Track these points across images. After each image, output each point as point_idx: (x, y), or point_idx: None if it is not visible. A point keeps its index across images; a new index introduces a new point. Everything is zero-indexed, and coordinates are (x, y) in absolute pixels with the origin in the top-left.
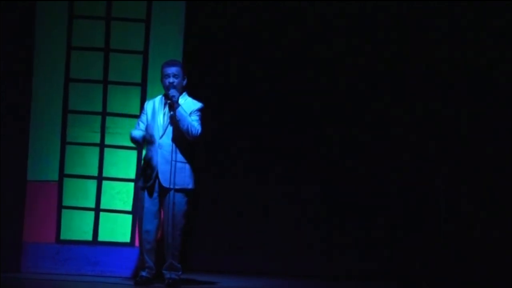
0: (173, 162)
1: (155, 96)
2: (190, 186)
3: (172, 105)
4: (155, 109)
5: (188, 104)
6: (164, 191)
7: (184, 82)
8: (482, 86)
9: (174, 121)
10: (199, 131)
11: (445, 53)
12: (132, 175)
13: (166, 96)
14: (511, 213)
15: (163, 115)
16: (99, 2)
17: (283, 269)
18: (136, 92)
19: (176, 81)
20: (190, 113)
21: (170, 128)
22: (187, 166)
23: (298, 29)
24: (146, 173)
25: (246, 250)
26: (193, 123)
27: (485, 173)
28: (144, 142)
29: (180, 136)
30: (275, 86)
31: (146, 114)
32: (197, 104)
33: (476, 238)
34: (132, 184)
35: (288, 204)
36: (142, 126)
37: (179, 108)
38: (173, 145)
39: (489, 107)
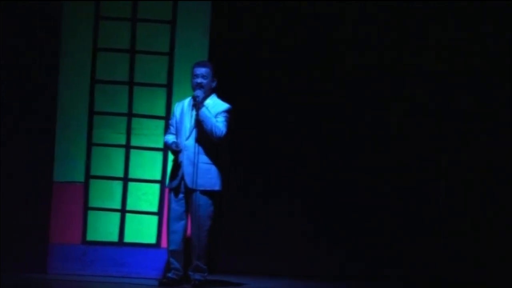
0: (197, 164)
1: (181, 98)
2: (216, 187)
3: (196, 105)
4: (184, 111)
5: (215, 105)
6: (190, 192)
7: (213, 84)
8: (483, 86)
9: (198, 122)
10: (224, 133)
11: (446, 53)
12: (157, 176)
13: (194, 98)
14: (511, 213)
15: (190, 117)
16: (125, 3)
17: (308, 271)
18: (162, 93)
19: (204, 82)
20: (217, 114)
21: (196, 130)
22: (213, 167)
23: (326, 30)
24: (172, 173)
25: (273, 251)
26: (218, 124)
27: (486, 173)
28: (173, 151)
29: (205, 138)
30: (301, 88)
31: (175, 116)
32: (224, 105)
33: (476, 238)
34: (157, 185)
35: (312, 206)
36: (172, 129)
37: (203, 109)
38: (198, 146)
39: (490, 106)
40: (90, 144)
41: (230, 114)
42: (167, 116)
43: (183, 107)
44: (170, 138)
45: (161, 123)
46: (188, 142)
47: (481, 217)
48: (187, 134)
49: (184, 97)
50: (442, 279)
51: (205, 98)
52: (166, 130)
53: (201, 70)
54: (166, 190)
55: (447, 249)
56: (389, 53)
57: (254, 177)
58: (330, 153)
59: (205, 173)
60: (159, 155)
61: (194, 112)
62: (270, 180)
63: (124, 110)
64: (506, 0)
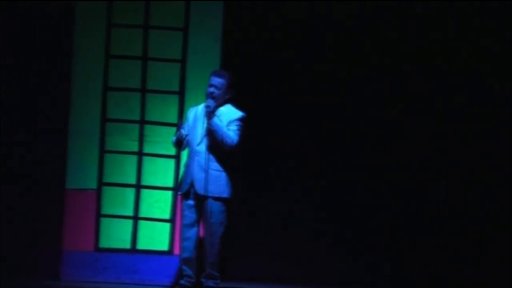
0: (207, 170)
1: (193, 105)
2: (225, 195)
3: (208, 115)
4: (197, 116)
5: (229, 113)
6: (202, 199)
7: (227, 96)
8: (483, 86)
9: (210, 131)
10: (235, 142)
11: (445, 52)
12: (170, 183)
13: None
14: (511, 213)
15: (202, 124)
16: (138, 10)
17: (322, 277)
18: (174, 100)
19: (216, 92)
20: (230, 123)
21: (206, 138)
22: (223, 174)
23: (338, 35)
24: (183, 179)
25: (285, 258)
26: (229, 133)
27: (486, 173)
28: (181, 139)
29: (216, 145)
30: (315, 94)
31: (188, 121)
32: (237, 113)
33: (476, 238)
34: (170, 193)
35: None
36: (185, 131)
37: (214, 119)
38: (208, 153)
39: (490, 106)
40: (102, 151)
41: (243, 123)
42: (180, 123)
43: (196, 113)
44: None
45: (174, 130)
46: (200, 147)
47: (481, 217)
48: (199, 140)
49: (196, 104)
50: (442, 279)
51: (217, 107)
52: None
53: (216, 81)
54: (179, 197)
55: (447, 249)
56: (389, 53)
57: (255, 178)
58: (331, 153)
59: (215, 180)
60: (171, 162)
61: (206, 120)
62: (271, 181)
63: (137, 117)
64: (506, 0)
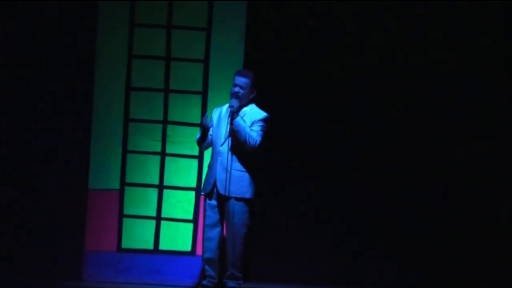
0: (230, 170)
1: (216, 105)
2: (248, 195)
3: (231, 114)
4: (221, 116)
5: (252, 114)
6: (224, 199)
7: (252, 95)
8: (483, 86)
9: (232, 131)
10: (257, 142)
11: (446, 53)
12: (193, 183)
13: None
14: (511, 214)
15: (226, 124)
16: (161, 10)
17: (345, 277)
18: (197, 100)
19: (241, 92)
20: (253, 123)
21: (230, 137)
22: (246, 175)
23: (360, 36)
24: (206, 179)
25: (308, 258)
26: (252, 133)
27: (486, 173)
28: (206, 127)
29: (239, 145)
30: (337, 95)
31: (212, 121)
32: (261, 114)
33: (476, 238)
34: (193, 193)
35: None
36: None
37: (238, 118)
38: (231, 153)
39: (490, 106)
40: (125, 151)
41: (267, 123)
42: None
43: (220, 113)
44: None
45: (196, 130)
46: (223, 148)
47: (481, 217)
48: (222, 140)
49: (219, 104)
50: (442, 279)
51: (241, 107)
52: None
53: (240, 80)
54: (201, 198)
55: (447, 249)
56: (389, 53)
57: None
58: (335, 153)
59: (237, 180)
60: (194, 162)
61: (229, 120)
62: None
63: (159, 117)
64: (506, 0)
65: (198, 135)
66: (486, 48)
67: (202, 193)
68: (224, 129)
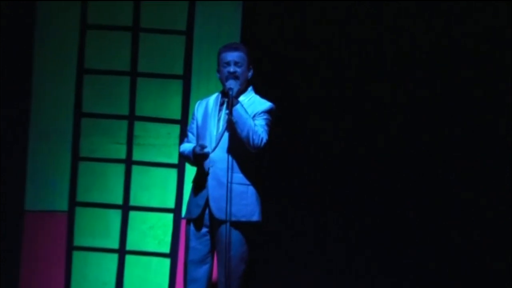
0: (229, 184)
1: (203, 93)
2: (255, 217)
3: (229, 101)
4: (208, 111)
5: (253, 104)
6: (217, 225)
7: (249, 75)
8: (483, 87)
9: (231, 124)
10: (264, 140)
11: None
12: (170, 203)
13: (224, 93)
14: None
15: (217, 120)
16: None
17: None
18: (176, 87)
19: (238, 70)
20: (255, 115)
21: (226, 137)
22: (251, 189)
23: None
24: (192, 199)
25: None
26: (257, 128)
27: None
28: (198, 157)
29: (241, 147)
30: (338, 101)
31: (196, 119)
32: (265, 104)
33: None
34: (170, 216)
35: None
36: (192, 138)
37: (237, 106)
38: (231, 160)
39: (490, 107)
40: (76, 158)
41: (273, 116)
42: (184, 119)
43: (207, 107)
44: (188, 145)
45: (176, 128)
46: (215, 154)
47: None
48: (214, 143)
49: (207, 93)
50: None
51: (239, 93)
52: (183, 138)
53: (233, 55)
54: (183, 223)
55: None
56: (387, 52)
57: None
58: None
59: (239, 198)
60: (172, 174)
61: (223, 114)
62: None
63: (124, 111)
64: (506, 0)
65: (186, 148)
66: (487, 47)
67: (187, 218)
68: (214, 129)
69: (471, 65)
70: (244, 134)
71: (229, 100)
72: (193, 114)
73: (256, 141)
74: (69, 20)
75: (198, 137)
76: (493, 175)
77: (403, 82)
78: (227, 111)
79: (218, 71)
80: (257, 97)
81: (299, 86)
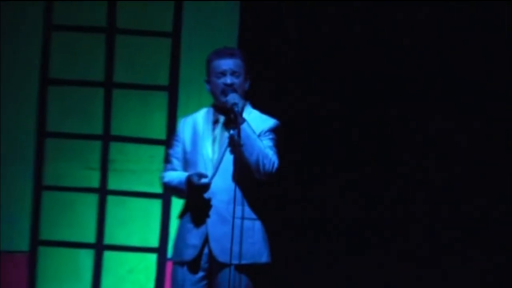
0: (233, 220)
1: (193, 108)
2: (264, 258)
3: (233, 119)
4: (198, 132)
5: (255, 121)
6: (217, 268)
7: (247, 86)
8: (483, 86)
9: (235, 147)
10: (276, 165)
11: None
12: (153, 241)
13: (218, 108)
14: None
15: (212, 141)
16: None
17: None
18: (161, 101)
19: (236, 81)
20: (259, 135)
21: (226, 163)
22: (257, 224)
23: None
24: (183, 238)
25: None
26: (267, 151)
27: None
28: (196, 189)
29: (246, 174)
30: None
31: (183, 142)
32: (269, 121)
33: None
34: (154, 257)
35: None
36: (176, 163)
37: (245, 125)
38: (236, 189)
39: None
40: (39, 187)
41: (279, 135)
42: (170, 139)
43: (195, 127)
44: (176, 174)
45: (160, 151)
46: (214, 184)
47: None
48: (211, 170)
49: (197, 107)
50: None
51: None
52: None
53: (229, 64)
54: (169, 265)
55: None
56: (386, 51)
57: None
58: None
59: (245, 235)
60: (155, 206)
61: (218, 132)
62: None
63: (97, 129)
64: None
65: (173, 178)
66: (486, 48)
67: (177, 260)
68: (209, 152)
69: (471, 65)
70: (253, 158)
71: (235, 118)
72: (177, 135)
73: (267, 167)
74: (31, 20)
75: (186, 164)
76: (493, 175)
77: (403, 83)
78: (232, 132)
79: (208, 81)
80: (257, 113)
81: (302, 97)
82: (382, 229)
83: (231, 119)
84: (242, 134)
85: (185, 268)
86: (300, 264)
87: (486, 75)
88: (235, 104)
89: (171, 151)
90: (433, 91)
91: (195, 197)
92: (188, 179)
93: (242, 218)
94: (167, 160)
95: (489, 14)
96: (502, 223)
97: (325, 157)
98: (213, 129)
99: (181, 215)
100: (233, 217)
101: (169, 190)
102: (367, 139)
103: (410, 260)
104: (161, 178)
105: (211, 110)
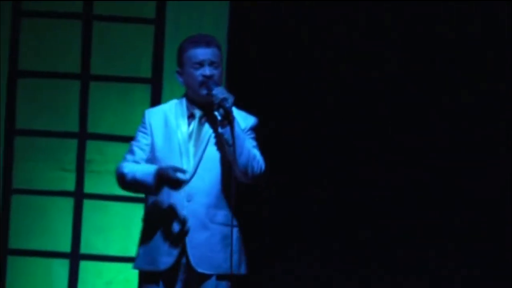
0: (212, 225)
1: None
2: (242, 269)
3: (224, 116)
4: (171, 126)
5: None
6: (195, 279)
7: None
8: (483, 86)
9: (222, 147)
10: (263, 168)
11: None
12: (134, 251)
13: (192, 102)
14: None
15: (188, 137)
16: None
17: None
18: (143, 94)
19: (215, 73)
20: None
21: (206, 163)
22: (236, 232)
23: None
24: (154, 244)
25: None
26: (254, 152)
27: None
28: (170, 184)
29: (228, 176)
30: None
31: (152, 136)
32: (249, 119)
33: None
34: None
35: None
36: (140, 156)
37: (235, 126)
38: (216, 192)
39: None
40: (8, 191)
41: (258, 134)
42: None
43: (167, 120)
44: (142, 166)
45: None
46: (193, 184)
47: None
48: (191, 169)
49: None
50: None
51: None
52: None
53: (207, 53)
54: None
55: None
56: (384, 51)
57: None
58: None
59: (225, 244)
60: (137, 211)
61: (194, 128)
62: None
63: (73, 127)
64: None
65: (137, 170)
66: (487, 48)
67: (147, 269)
68: (186, 149)
69: (471, 65)
70: (242, 160)
71: (227, 115)
72: (144, 127)
73: (255, 169)
74: None
75: (156, 161)
76: (493, 175)
77: (402, 83)
78: (223, 130)
79: (181, 73)
80: (235, 110)
81: (297, 93)
82: (378, 232)
83: (216, 116)
84: (235, 133)
85: (160, 282)
86: (281, 276)
87: (486, 75)
88: (224, 99)
89: (134, 142)
90: (433, 91)
91: (166, 195)
92: (160, 172)
93: (221, 224)
94: (129, 150)
95: (489, 14)
96: (502, 223)
97: (319, 159)
98: (188, 124)
99: (149, 217)
100: (208, 222)
101: (127, 184)
102: (366, 139)
103: (411, 265)
104: (118, 168)
105: (184, 102)
